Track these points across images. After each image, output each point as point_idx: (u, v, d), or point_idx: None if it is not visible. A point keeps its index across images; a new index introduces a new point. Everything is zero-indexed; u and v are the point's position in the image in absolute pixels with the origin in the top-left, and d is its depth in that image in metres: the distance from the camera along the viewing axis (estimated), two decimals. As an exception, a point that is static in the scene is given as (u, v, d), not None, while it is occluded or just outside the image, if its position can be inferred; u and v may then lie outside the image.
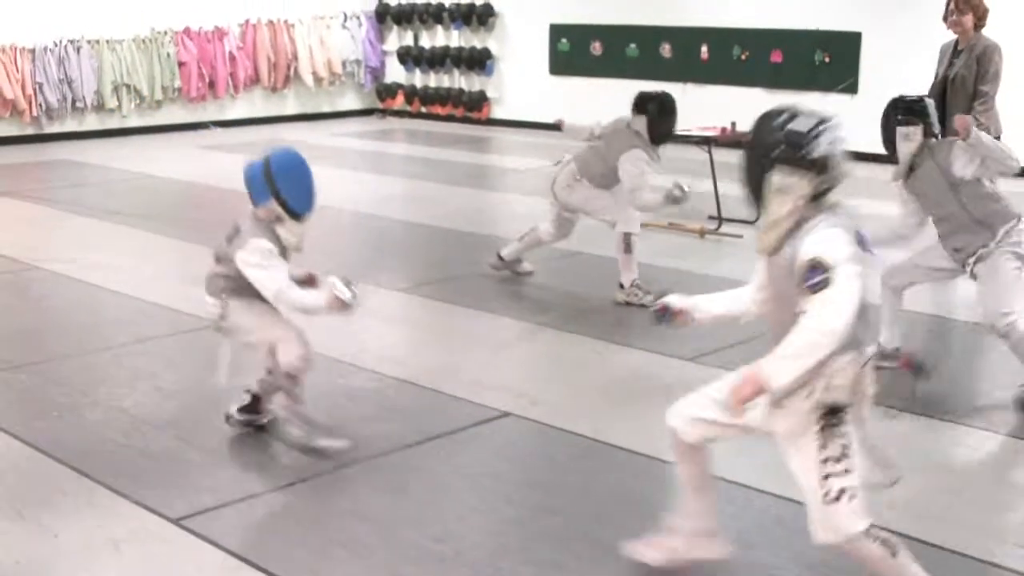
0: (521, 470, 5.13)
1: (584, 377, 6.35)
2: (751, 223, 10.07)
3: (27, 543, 4.34)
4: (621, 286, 7.78)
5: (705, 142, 10.38)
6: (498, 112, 18.08)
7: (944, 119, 7.38)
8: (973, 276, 5.83)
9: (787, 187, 3.39)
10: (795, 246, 3.39)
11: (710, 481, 3.94)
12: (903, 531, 3.98)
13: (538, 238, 8.20)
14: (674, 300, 3.92)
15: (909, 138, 5.81)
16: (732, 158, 10.67)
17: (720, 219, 10.06)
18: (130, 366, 6.41)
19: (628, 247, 7.74)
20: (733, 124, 10.48)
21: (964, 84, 7.56)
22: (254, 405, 5.33)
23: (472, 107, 18.27)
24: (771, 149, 3.40)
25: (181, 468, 5.08)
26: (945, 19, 7.68)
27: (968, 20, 7.53)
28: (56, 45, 15.70)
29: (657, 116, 7.73)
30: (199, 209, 11.36)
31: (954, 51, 7.72)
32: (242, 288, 4.94)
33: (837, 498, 3.43)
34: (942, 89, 7.66)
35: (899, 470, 3.74)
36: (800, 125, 3.38)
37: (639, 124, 7.73)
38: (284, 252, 4.99)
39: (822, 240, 3.34)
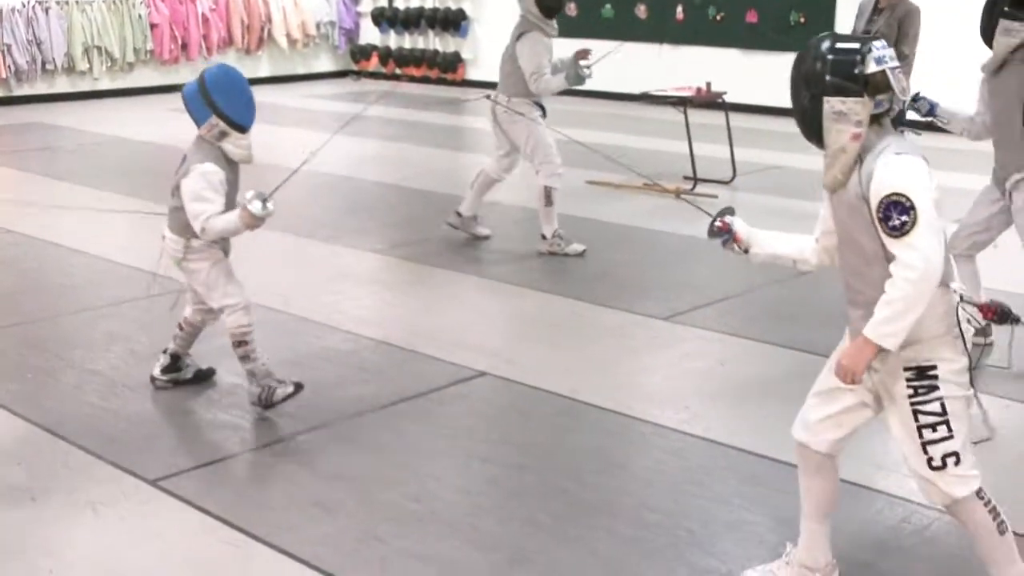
0: (497, 429, 5.14)
1: (560, 336, 6.36)
2: (726, 183, 10.16)
3: (3, 506, 4.34)
4: (543, 237, 7.87)
5: (680, 103, 10.34)
6: (473, 73, 17.99)
7: None
8: (1011, 200, 5.61)
9: (844, 113, 3.19)
10: (863, 176, 3.20)
11: (833, 507, 3.65)
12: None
13: (488, 178, 8.16)
14: (738, 224, 3.66)
15: (1011, 34, 5.40)
16: (707, 119, 10.94)
17: (695, 179, 10.06)
18: (105, 329, 6.40)
19: (548, 200, 7.84)
20: (708, 84, 10.47)
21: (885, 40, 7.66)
22: (175, 363, 5.43)
23: (447, 68, 18.17)
24: (821, 77, 3.21)
25: (157, 430, 5.10)
26: None
27: None
28: (24, 6, 15.51)
29: None
30: (162, 169, 11.27)
31: (874, 8, 7.86)
32: None
33: (943, 464, 3.28)
34: None
35: (994, 430, 3.51)
36: (846, 45, 3.23)
37: (527, 3, 7.70)
38: (235, 168, 5.01)
39: (896, 169, 3.15)
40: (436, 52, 18.39)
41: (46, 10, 15.70)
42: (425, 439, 4.96)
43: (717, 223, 3.67)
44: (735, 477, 4.59)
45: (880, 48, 3.21)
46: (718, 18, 15.14)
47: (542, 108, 7.88)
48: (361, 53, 19.28)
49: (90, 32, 16.21)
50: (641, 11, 15.90)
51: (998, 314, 5.72)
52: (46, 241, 8.30)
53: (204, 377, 5.54)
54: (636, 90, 11.70)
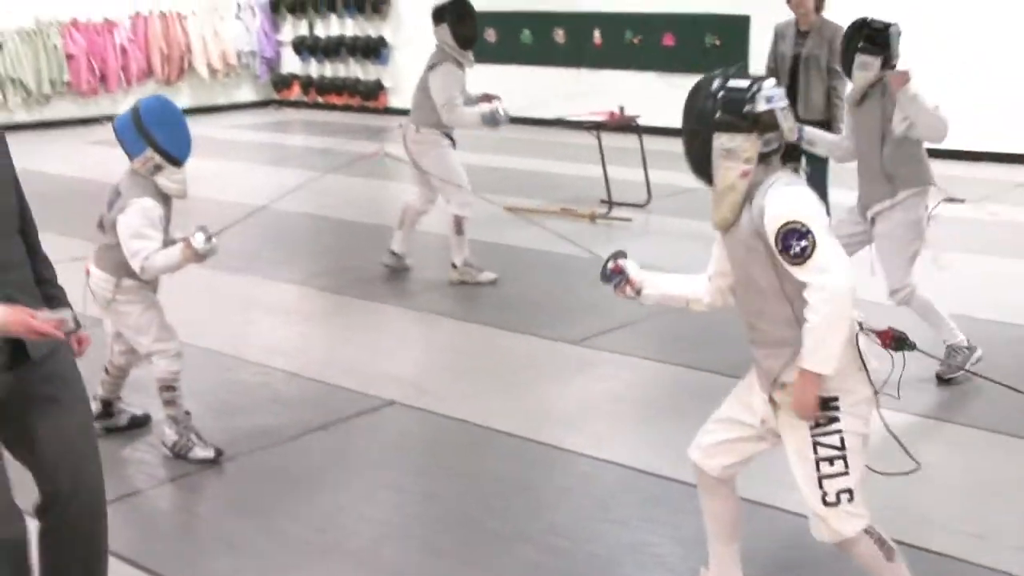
0: (404, 458, 5.17)
1: (471, 364, 6.40)
2: (641, 206, 10.27)
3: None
4: (454, 266, 7.94)
5: (595, 127, 10.45)
6: (395, 101, 17.96)
7: (795, 96, 7.79)
8: (872, 226, 5.75)
9: (733, 151, 3.24)
10: (755, 214, 3.23)
11: (737, 528, 3.69)
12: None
13: (414, 210, 8.15)
14: (631, 267, 3.69)
15: (866, 68, 5.59)
16: (625, 142, 11.04)
17: (610, 203, 10.16)
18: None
19: (459, 229, 7.90)
20: (621, 108, 10.60)
21: (817, 63, 7.92)
22: (106, 411, 5.28)
23: (368, 96, 18.19)
24: (711, 114, 3.25)
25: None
26: (788, 1, 8.02)
27: (810, 2, 7.92)
28: (-65, 38, 15.35)
29: (456, 20, 7.75)
30: (86, 204, 11.11)
31: (798, 32, 8.05)
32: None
33: (836, 501, 3.29)
34: (793, 66, 7.98)
35: (918, 462, 3.48)
36: (736, 84, 3.27)
37: (442, 34, 7.75)
38: (168, 203, 4.86)
39: (786, 199, 3.19)
40: (357, 80, 18.41)
41: (-41, 43, 15.52)
42: (333, 470, 4.96)
43: (610, 265, 3.69)
44: (639, 499, 4.66)
45: (769, 88, 3.26)
46: (635, 42, 15.33)
47: (451, 139, 7.92)
48: (283, 82, 19.24)
49: (4, 64, 16.01)
50: (559, 36, 16.05)
51: (896, 340, 5.84)
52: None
53: (140, 424, 5.37)
54: (555, 115, 11.78)
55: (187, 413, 5.01)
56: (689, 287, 3.67)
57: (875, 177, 5.71)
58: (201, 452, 4.96)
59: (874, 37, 5.57)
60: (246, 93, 19.32)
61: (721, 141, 3.24)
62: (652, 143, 10.91)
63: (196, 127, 15.23)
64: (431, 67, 7.81)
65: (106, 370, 5.20)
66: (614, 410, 5.66)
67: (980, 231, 9.07)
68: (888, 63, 5.58)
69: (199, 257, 4.66)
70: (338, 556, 4.18)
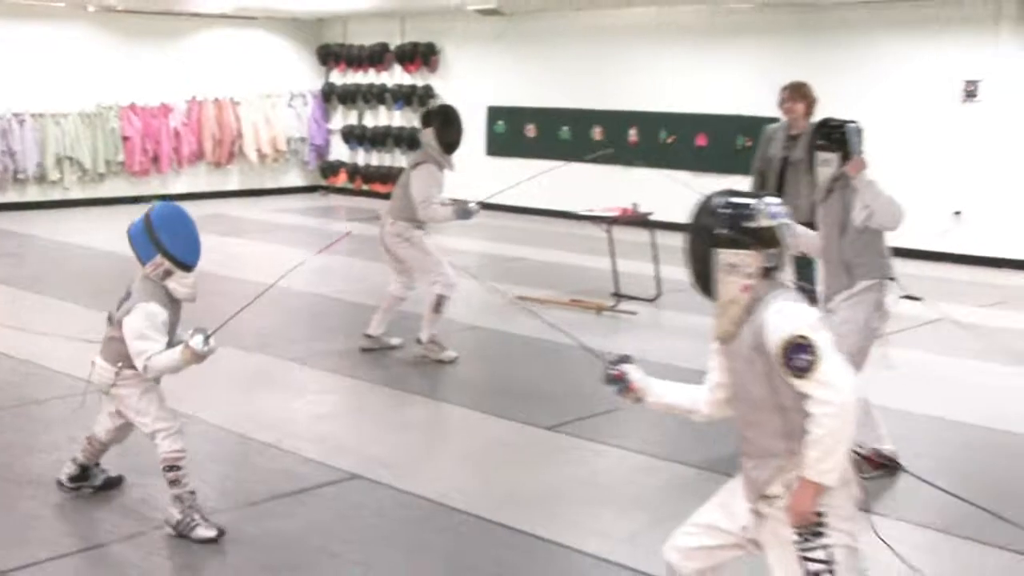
0: (354, 529, 5.33)
1: (441, 443, 6.64)
2: (650, 300, 10.46)
3: None
4: (419, 341, 8.23)
5: (609, 221, 10.73)
6: (437, 191, 18.45)
7: (782, 197, 7.97)
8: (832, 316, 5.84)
9: (735, 265, 3.34)
10: (755, 326, 3.31)
11: None
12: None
13: (393, 297, 8.48)
14: (634, 373, 3.72)
15: (826, 164, 5.81)
16: (639, 237, 11.28)
17: (619, 296, 10.38)
18: (10, 425, 6.65)
19: (438, 307, 8.22)
20: (635, 205, 10.85)
21: (805, 168, 8.06)
22: (83, 474, 5.47)
23: (412, 185, 18.64)
24: (713, 230, 3.37)
25: (23, 522, 5.27)
26: (780, 105, 8.24)
27: (800, 108, 8.14)
28: (0, 118, 16.05)
29: (442, 126, 8.18)
30: (123, 281, 11.57)
31: (788, 136, 8.24)
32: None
33: None
34: (781, 168, 8.19)
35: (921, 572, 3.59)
36: (739, 200, 3.40)
37: (427, 136, 8.19)
38: (177, 306, 5.08)
39: (789, 315, 3.27)
40: (401, 170, 18.79)
41: (20, 122, 16.22)
42: (282, 537, 5.16)
43: (613, 372, 3.72)
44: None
45: (773, 204, 3.39)
46: (669, 140, 15.64)
47: (422, 228, 8.26)
48: (330, 169, 19.81)
49: (63, 143, 16.73)
50: (597, 133, 16.41)
51: (882, 463, 5.92)
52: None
53: (113, 485, 5.54)
54: (586, 208, 12.06)
55: (192, 493, 5.11)
56: (689, 398, 3.71)
57: (835, 268, 5.89)
58: (204, 532, 5.03)
59: (831, 134, 5.82)
60: (294, 178, 19.90)
61: (724, 256, 3.36)
62: (672, 239, 11.11)
63: (242, 209, 15.84)
64: (414, 166, 8.22)
65: (88, 440, 5.38)
66: (579, 496, 5.79)
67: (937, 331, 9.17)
68: (848, 159, 5.76)
69: (198, 358, 4.81)
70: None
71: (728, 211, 3.37)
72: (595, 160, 13.05)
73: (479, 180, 17.49)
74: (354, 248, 13.89)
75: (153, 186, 17.64)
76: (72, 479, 5.48)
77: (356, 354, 8.49)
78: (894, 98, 13.50)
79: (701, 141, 15.37)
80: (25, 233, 14.58)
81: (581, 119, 16.58)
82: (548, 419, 6.92)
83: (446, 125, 8.23)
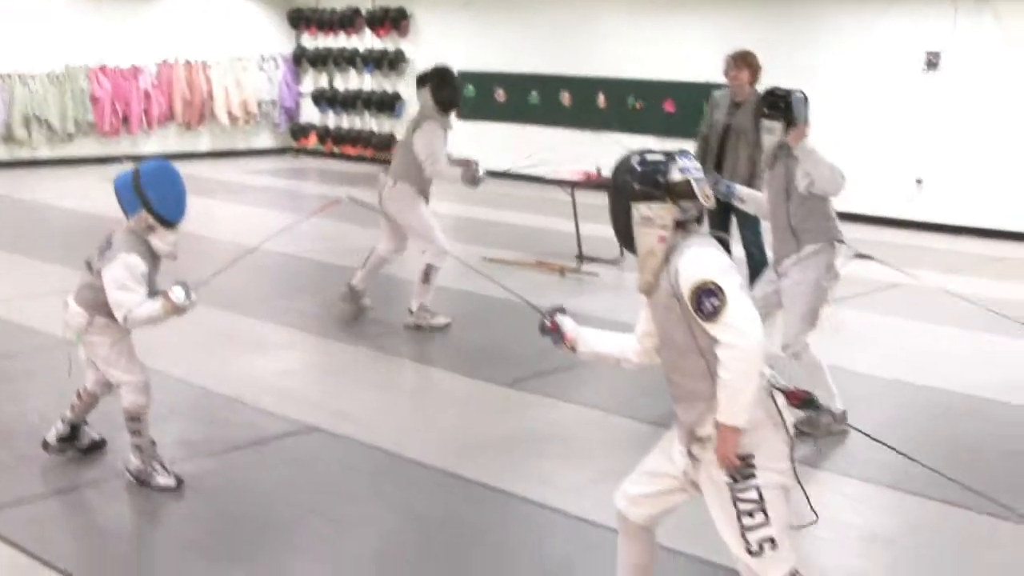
0: (312, 479, 5.47)
1: (401, 398, 6.78)
2: (613, 262, 10.61)
3: None
4: (411, 311, 8.29)
5: (572, 185, 10.88)
6: (407, 154, 18.55)
7: (721, 164, 8.17)
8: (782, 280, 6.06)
9: (650, 218, 3.49)
10: (671, 275, 3.45)
11: (650, 570, 3.86)
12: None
13: (380, 257, 8.48)
14: (567, 325, 3.90)
15: (771, 132, 5.94)
16: (597, 200, 11.36)
17: (582, 258, 10.54)
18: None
19: (427, 277, 8.26)
20: (599, 169, 10.98)
21: (746, 135, 8.27)
22: (72, 433, 5.53)
23: (381, 148, 18.74)
24: (629, 186, 3.52)
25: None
26: (726, 73, 8.39)
27: (745, 76, 8.29)
28: (-35, 78, 16.06)
29: (437, 86, 8.18)
30: (93, 239, 11.64)
31: (732, 103, 8.39)
32: (110, 308, 5.05)
33: (760, 550, 3.45)
34: (723, 135, 8.35)
35: (816, 512, 3.68)
36: (652, 157, 3.55)
37: (424, 97, 8.19)
38: (157, 260, 5.09)
39: (699, 261, 3.42)
40: (372, 132, 18.98)
41: (-12, 82, 16.23)
42: (239, 485, 5.32)
43: (547, 322, 3.91)
44: (543, 538, 4.95)
45: (684, 160, 3.55)
46: (637, 106, 15.77)
47: (425, 197, 8.30)
48: (301, 131, 19.86)
49: (31, 104, 16.70)
50: (566, 99, 16.53)
51: (803, 401, 6.10)
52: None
53: (97, 447, 5.59)
54: (539, 173, 12.17)
55: (152, 443, 5.22)
56: (619, 346, 3.86)
57: (782, 234, 6.04)
58: (163, 480, 5.16)
59: (776, 103, 5.95)
60: (265, 140, 19.94)
61: (640, 210, 3.52)
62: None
63: (213, 171, 15.82)
64: (415, 126, 8.21)
65: (78, 395, 5.42)
66: (533, 449, 5.94)
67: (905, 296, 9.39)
68: (792, 127, 5.90)
69: (179, 310, 4.89)
70: (220, 557, 4.55)
71: (641, 167, 3.54)
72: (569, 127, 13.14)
73: (450, 142, 17.72)
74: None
75: (123, 146, 17.63)
76: (60, 439, 5.50)
77: (322, 312, 8.60)
78: (857, 67, 13.66)
79: (669, 107, 15.48)
80: (-7, 192, 14.61)
81: (550, 84, 16.68)
82: (508, 376, 7.07)
83: (442, 85, 8.22)
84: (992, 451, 6.06)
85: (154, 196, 4.94)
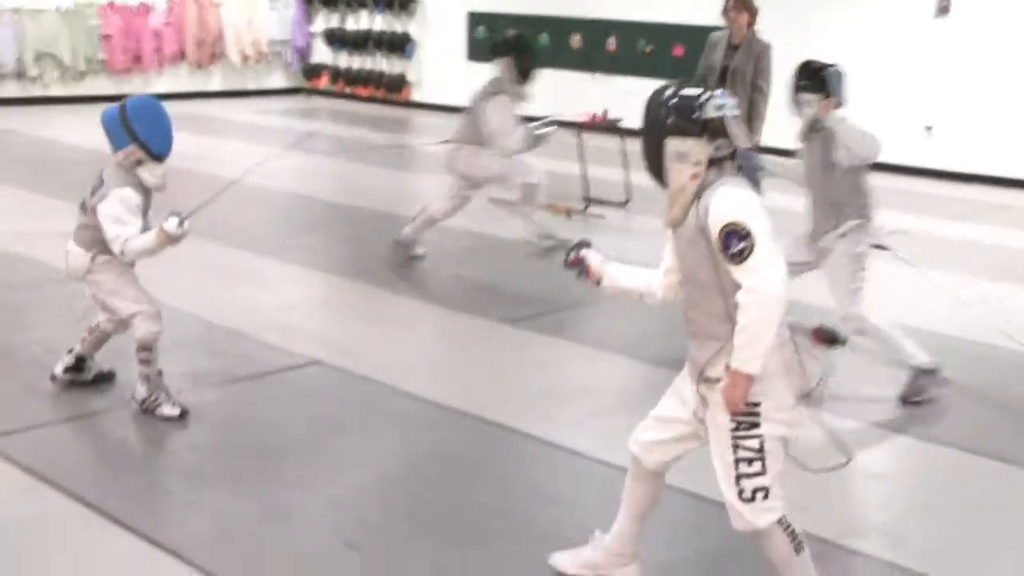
0: (311, 411, 5.57)
1: (405, 335, 6.85)
2: (621, 205, 10.66)
3: None
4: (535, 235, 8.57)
5: (578, 127, 10.92)
6: (417, 95, 18.55)
7: None
8: (823, 256, 5.93)
9: (684, 154, 3.44)
10: (701, 212, 3.41)
11: (651, 511, 3.92)
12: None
13: (431, 216, 8.34)
14: (592, 258, 3.92)
15: (808, 104, 5.83)
16: (605, 143, 11.44)
17: (588, 200, 10.59)
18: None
19: (529, 200, 8.49)
20: (605, 111, 10.99)
21: (744, 76, 8.35)
22: (78, 365, 5.62)
23: (392, 89, 18.74)
24: (663, 120, 3.47)
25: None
26: (724, 14, 8.44)
27: (744, 18, 8.35)
28: (-24, 13, 16.03)
29: (519, 54, 8.12)
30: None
31: (729, 45, 8.43)
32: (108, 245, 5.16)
33: (752, 498, 3.49)
34: (721, 77, 8.38)
35: (851, 452, 3.76)
36: (688, 92, 3.48)
37: (504, 66, 8.09)
38: (148, 194, 5.22)
39: (731, 201, 3.37)
40: (382, 73, 18.95)
41: (-2, 17, 16.22)
42: (239, 414, 5.45)
43: (571, 256, 3.92)
44: (546, 474, 5.05)
45: (720, 97, 3.47)
46: (647, 50, 15.72)
47: None
48: (312, 71, 19.83)
49: (41, 40, 16.69)
50: (576, 41, 16.47)
51: (827, 339, 6.11)
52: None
53: (104, 379, 5.68)
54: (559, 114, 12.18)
55: (160, 373, 5.32)
56: (643, 281, 3.86)
57: (822, 209, 5.95)
58: (168, 410, 5.26)
59: (812, 76, 5.81)
60: (277, 80, 19.90)
61: (673, 144, 3.46)
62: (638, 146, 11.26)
63: (226, 110, 15.86)
64: (487, 96, 8.11)
65: (89, 330, 5.52)
66: (531, 386, 6.01)
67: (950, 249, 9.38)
68: (829, 99, 5.77)
69: (173, 240, 4.99)
70: (212, 480, 4.69)
71: (677, 101, 3.47)
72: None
73: (461, 84, 17.76)
74: (336, 149, 14.09)
75: (135, 85, 17.62)
76: (67, 370, 5.60)
77: (328, 250, 8.70)
78: (867, 13, 13.58)
79: (678, 51, 15.42)
80: (5, 129, 14.62)
81: (561, 26, 16.61)
82: (511, 314, 7.15)
83: (524, 54, 8.16)
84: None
85: (142, 129, 5.05)
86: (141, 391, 5.30)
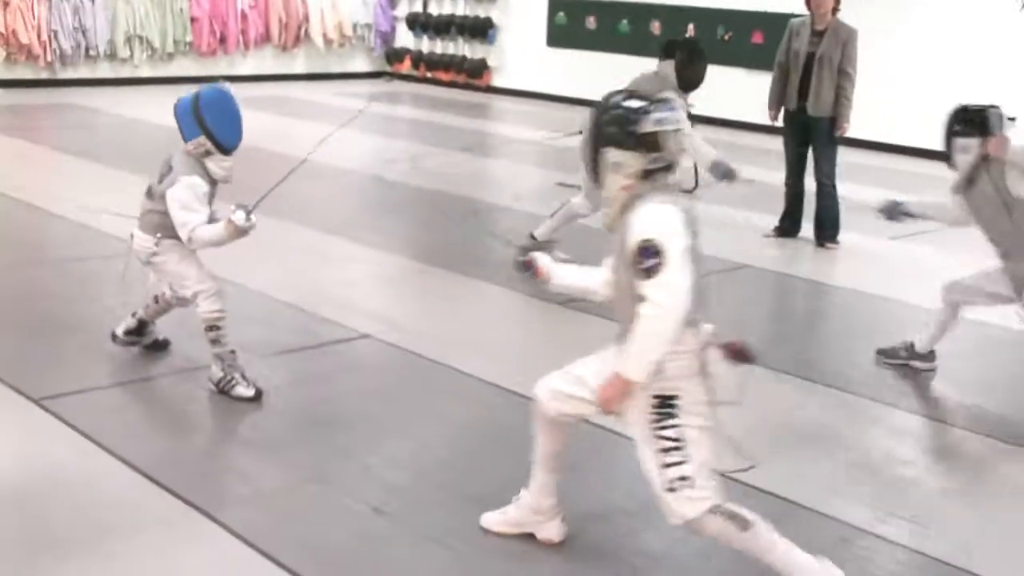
0: (358, 383, 5.73)
1: (459, 312, 6.99)
2: (690, 191, 10.62)
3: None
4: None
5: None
6: (498, 80, 18.68)
7: (806, 92, 8.13)
8: None
9: (619, 164, 3.49)
10: (627, 223, 3.49)
11: (560, 461, 4.00)
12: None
13: (572, 212, 7.92)
14: (541, 260, 4.06)
15: (966, 150, 5.54)
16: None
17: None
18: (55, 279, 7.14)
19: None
20: (676, 98, 10.99)
21: (831, 63, 8.28)
22: (139, 329, 5.82)
23: (474, 74, 18.89)
24: (603, 129, 3.55)
25: (71, 358, 5.77)
26: (808, 1, 8.34)
27: (828, 3, 8.24)
28: (73, -6, 16.50)
29: (687, 61, 7.56)
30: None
31: (812, 31, 8.38)
32: (175, 230, 5.28)
33: (674, 488, 3.56)
34: (807, 64, 8.32)
35: (754, 458, 3.85)
36: (630, 104, 3.53)
37: (667, 68, 7.56)
38: (214, 184, 5.28)
39: (651, 218, 3.43)
40: (464, 58, 19.11)
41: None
42: (288, 382, 5.62)
43: (522, 258, 4.12)
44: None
45: (664, 110, 3.53)
46: (726, 37, 15.66)
47: None
48: (395, 55, 20.07)
49: (133, 22, 17.14)
50: (655, 27, 16.46)
51: (739, 355, 6.06)
52: (32, 205, 9.08)
53: (160, 347, 5.87)
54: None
55: (232, 352, 5.41)
56: (589, 280, 3.98)
57: (1020, 249, 5.56)
58: (242, 390, 5.32)
59: (971, 119, 5.56)
60: (359, 63, 20.17)
61: (610, 155, 3.54)
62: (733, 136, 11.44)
63: (308, 92, 16.06)
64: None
65: (155, 299, 5.68)
66: (549, 354, 6.06)
67: None
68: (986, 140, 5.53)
69: (241, 232, 5.06)
70: (259, 448, 4.88)
71: (617, 112, 3.55)
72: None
73: (541, 70, 17.91)
74: (420, 135, 14.27)
75: (221, 67, 17.97)
76: (127, 332, 5.80)
77: (399, 231, 8.85)
78: (952, 4, 13.39)
79: (757, 38, 15.34)
80: (91, 107, 15.05)
81: (641, 13, 16.61)
82: (561, 295, 7.19)
83: (692, 61, 7.59)
84: None
85: (212, 121, 5.13)
86: (216, 371, 5.37)
